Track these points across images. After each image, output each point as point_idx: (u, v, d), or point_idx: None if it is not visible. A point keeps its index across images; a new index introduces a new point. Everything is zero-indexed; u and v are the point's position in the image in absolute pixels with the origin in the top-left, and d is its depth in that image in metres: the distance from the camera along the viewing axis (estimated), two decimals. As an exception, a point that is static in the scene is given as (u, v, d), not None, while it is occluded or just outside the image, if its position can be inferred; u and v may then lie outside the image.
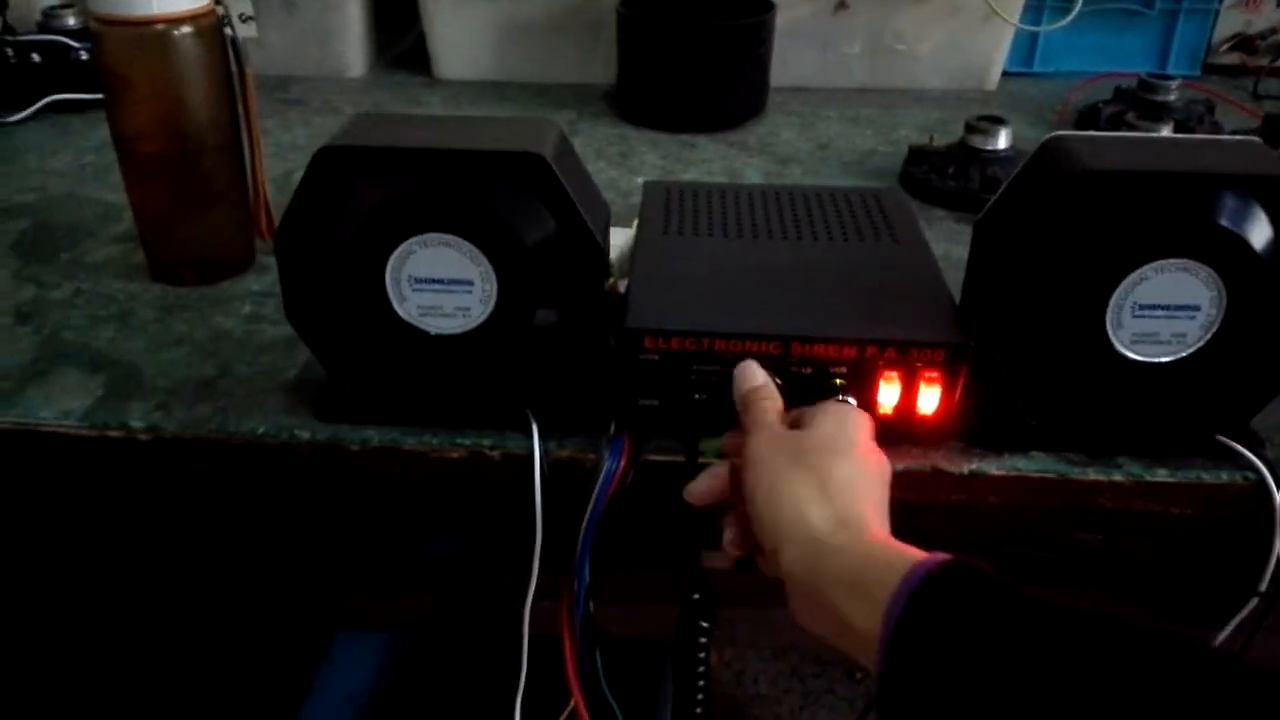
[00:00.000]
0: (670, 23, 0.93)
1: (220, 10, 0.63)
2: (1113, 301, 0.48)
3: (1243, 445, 0.52)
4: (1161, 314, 0.48)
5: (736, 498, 0.46)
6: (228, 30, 0.64)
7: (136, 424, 0.54)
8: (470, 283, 0.50)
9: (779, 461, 0.43)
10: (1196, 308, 0.48)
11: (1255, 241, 0.46)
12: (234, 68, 0.65)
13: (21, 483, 0.59)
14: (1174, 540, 0.56)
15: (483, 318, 0.50)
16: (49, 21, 1.00)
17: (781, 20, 0.98)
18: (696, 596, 0.54)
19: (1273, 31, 1.10)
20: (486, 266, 0.49)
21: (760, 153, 0.91)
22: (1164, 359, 0.49)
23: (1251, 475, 0.51)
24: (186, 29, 0.61)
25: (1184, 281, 0.47)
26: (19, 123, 0.96)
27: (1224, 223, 0.46)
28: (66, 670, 0.91)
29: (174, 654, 0.80)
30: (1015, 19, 1.02)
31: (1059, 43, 1.08)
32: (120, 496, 0.60)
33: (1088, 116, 0.96)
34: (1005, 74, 1.09)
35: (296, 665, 0.98)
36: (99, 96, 0.97)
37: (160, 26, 0.60)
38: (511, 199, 0.48)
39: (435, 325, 0.51)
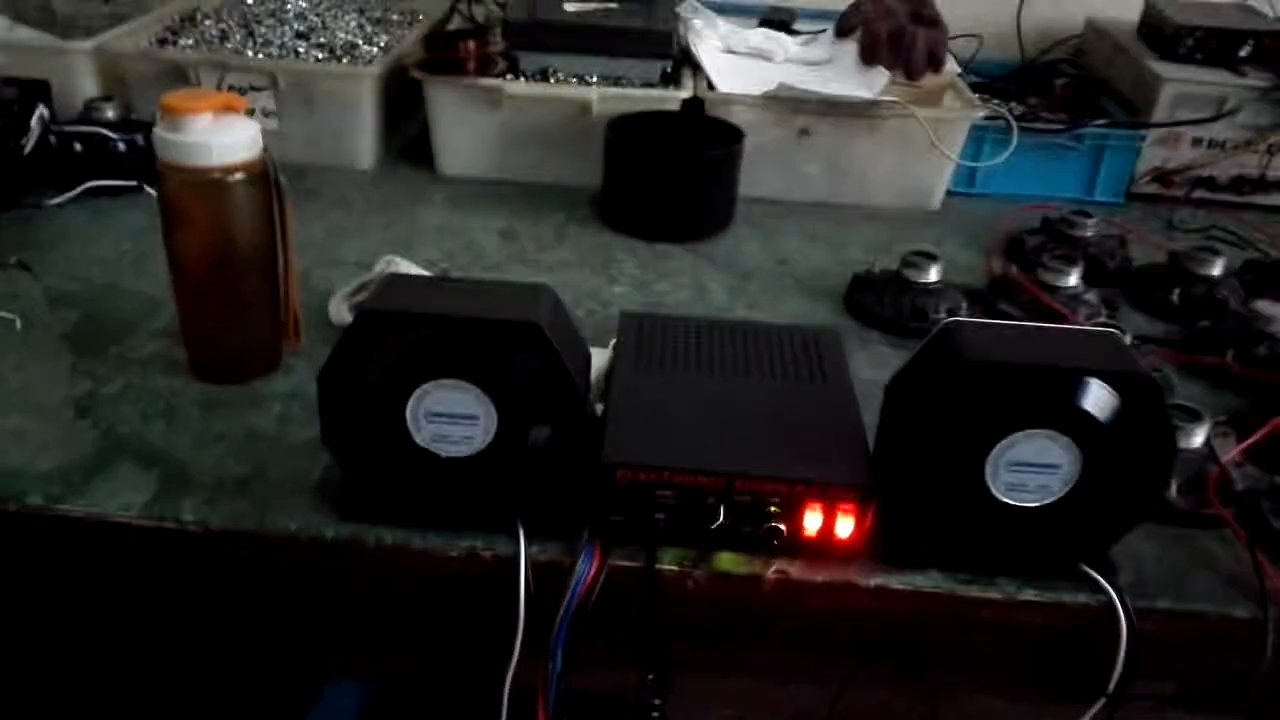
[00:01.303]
0: (651, 149, 1.05)
1: (267, 155, 0.74)
2: (990, 459, 0.60)
3: (1100, 572, 0.64)
4: (1029, 470, 0.60)
5: None
6: (272, 172, 0.75)
7: (188, 518, 0.65)
8: (475, 417, 0.61)
9: None
10: (1058, 466, 0.60)
11: (1102, 416, 0.58)
12: (276, 204, 0.76)
13: (85, 564, 0.70)
14: (1042, 646, 0.67)
15: (484, 445, 0.62)
16: (89, 113, 1.10)
17: (750, 142, 1.10)
18: (651, 676, 0.66)
19: (1187, 168, 1.24)
20: (489, 405, 0.61)
21: (725, 267, 1.03)
22: (1032, 504, 0.61)
23: (1104, 598, 0.63)
24: (239, 175, 0.72)
25: (1047, 446, 0.59)
26: (60, 206, 1.06)
27: (1078, 403, 0.58)
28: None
29: (192, 696, 0.91)
30: (956, 153, 1.15)
31: (999, 169, 1.20)
32: (169, 576, 0.70)
33: (1015, 244, 1.09)
34: (950, 192, 1.22)
35: (288, 708, 1.08)
36: (134, 184, 1.09)
37: (217, 174, 0.71)
38: (511, 355, 0.59)
39: (446, 450, 0.62)
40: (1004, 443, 0.59)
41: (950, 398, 0.58)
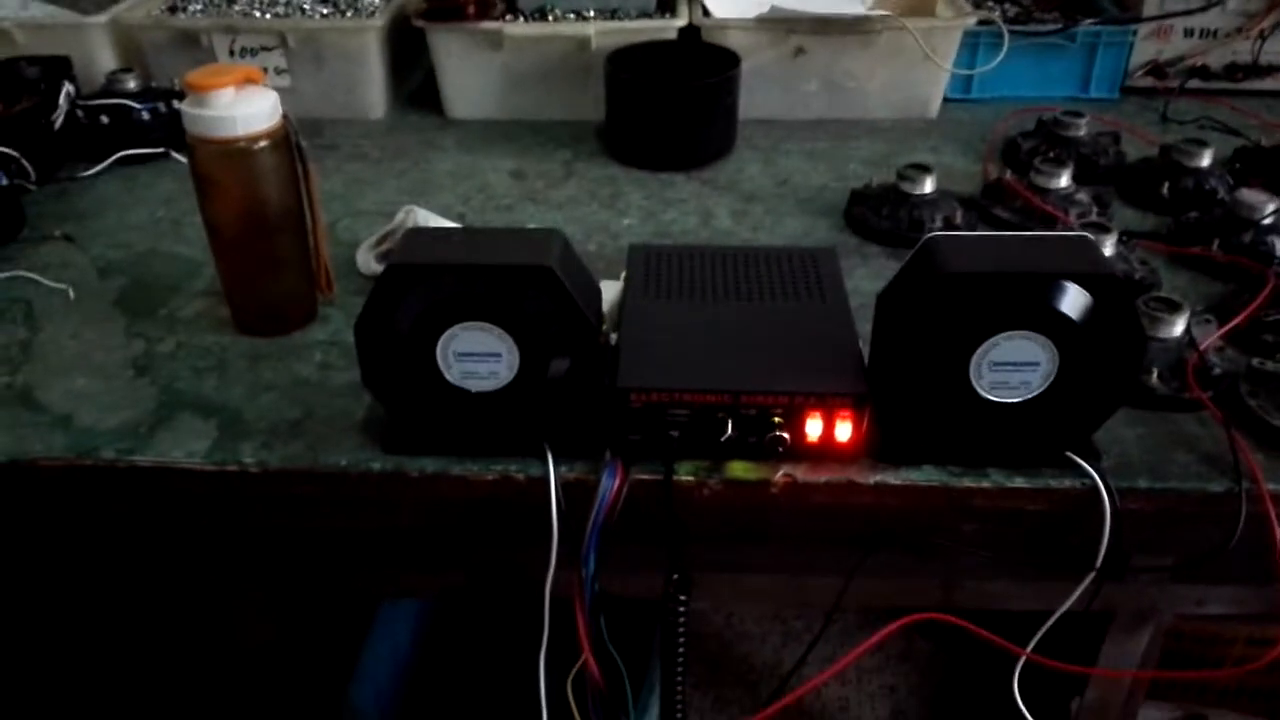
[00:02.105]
0: (650, 81, 1.09)
1: (288, 122, 0.79)
2: (974, 360, 0.65)
3: (1084, 458, 0.69)
4: (1011, 369, 0.65)
5: None
6: (294, 138, 0.79)
7: (248, 460, 0.72)
8: (499, 355, 0.67)
9: None
10: (1037, 364, 0.65)
11: (1075, 315, 0.63)
12: (300, 165, 0.81)
13: (157, 509, 0.77)
14: (1032, 528, 0.73)
15: (509, 379, 0.68)
16: (112, 85, 1.15)
17: (747, 65, 1.13)
18: (676, 576, 0.72)
19: (1181, 59, 1.25)
20: (510, 343, 0.66)
21: (729, 191, 1.07)
22: (1015, 400, 0.66)
23: (1088, 481, 0.69)
24: (264, 143, 0.77)
25: (1026, 346, 0.64)
26: (93, 177, 1.12)
27: (1053, 304, 0.63)
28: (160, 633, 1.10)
29: (261, 628, 0.99)
30: (949, 62, 1.17)
31: (994, 72, 1.23)
32: (233, 516, 0.77)
33: (1011, 149, 1.12)
34: (947, 99, 1.24)
35: (351, 627, 1.17)
36: (161, 151, 1.14)
37: (243, 143, 0.76)
38: (527, 296, 0.65)
39: (474, 385, 0.68)
40: (985, 345, 0.64)
41: (933, 308, 0.63)
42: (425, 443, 0.71)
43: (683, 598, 0.72)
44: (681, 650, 0.77)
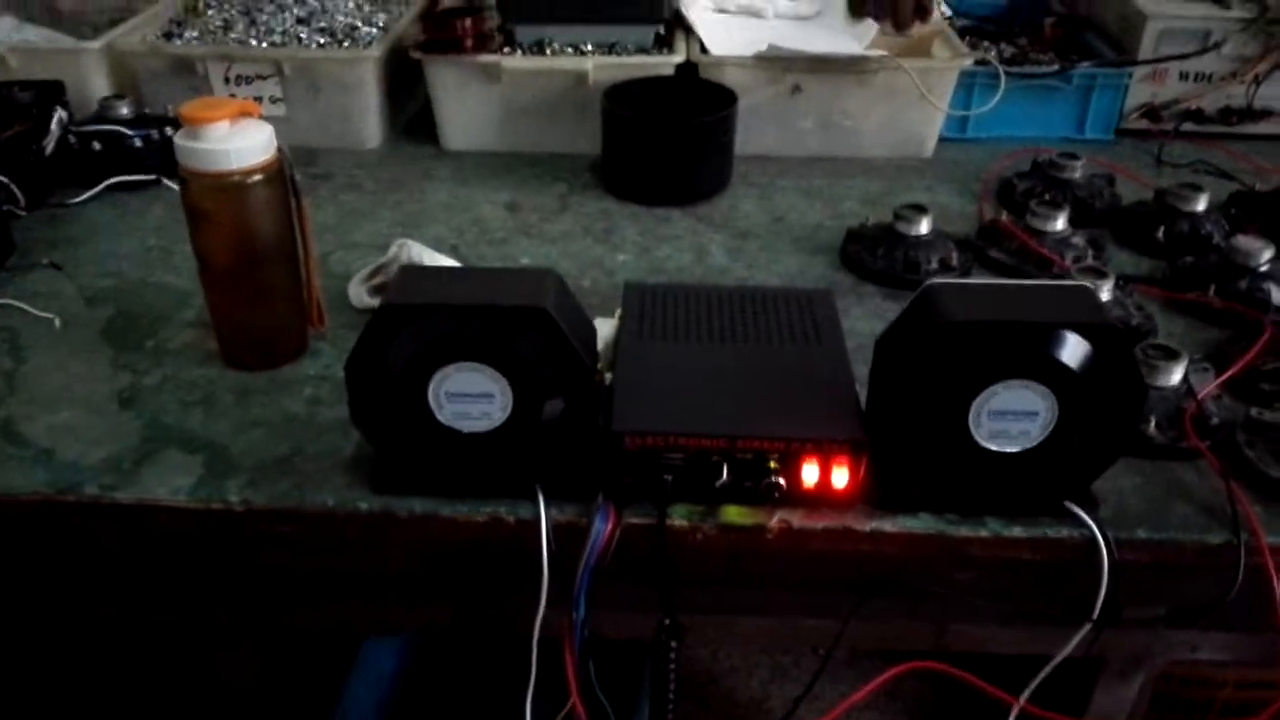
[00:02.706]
0: (646, 118, 1.09)
1: (282, 155, 0.78)
2: (973, 409, 0.64)
3: (1082, 507, 0.69)
4: (1010, 418, 0.64)
5: None
6: (287, 171, 0.79)
7: (233, 498, 0.70)
8: (492, 395, 0.66)
9: None
10: (1036, 413, 0.64)
11: (1075, 365, 0.63)
12: (293, 198, 0.80)
13: (139, 547, 0.75)
14: (1031, 579, 0.72)
15: (501, 420, 0.67)
16: (105, 111, 1.14)
17: (744, 102, 1.13)
18: (667, 621, 0.71)
19: (1175, 102, 1.26)
20: (504, 384, 0.65)
21: (724, 228, 1.07)
22: (1014, 449, 0.66)
23: (1086, 531, 0.68)
24: (258, 176, 0.76)
25: (1025, 395, 0.64)
26: (84, 203, 1.11)
27: (1053, 353, 0.62)
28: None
29: (243, 664, 0.97)
30: (945, 102, 1.17)
31: (989, 113, 1.23)
32: (217, 555, 0.76)
33: (1006, 189, 1.12)
34: (942, 139, 1.24)
35: (334, 662, 1.15)
36: (153, 178, 1.13)
37: (237, 177, 0.75)
38: (522, 337, 0.64)
39: (466, 426, 0.67)
40: (985, 394, 0.63)
41: (933, 355, 0.62)
42: (415, 483, 0.70)
43: (674, 644, 0.71)
44: (672, 696, 0.76)
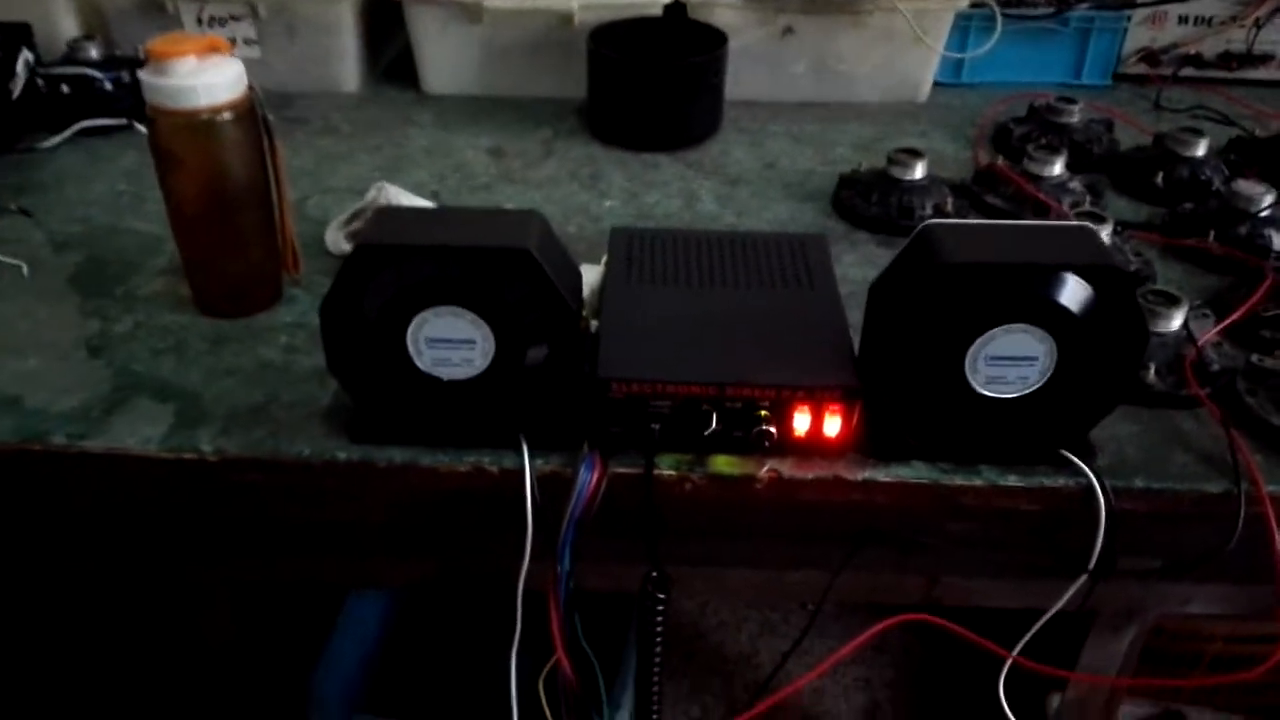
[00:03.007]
0: (634, 59, 1.05)
1: (254, 93, 0.75)
2: (969, 354, 0.62)
3: (1079, 455, 0.67)
4: (1008, 363, 0.63)
5: None
6: (259, 110, 0.76)
7: (206, 448, 0.68)
8: (473, 341, 0.63)
9: None
10: (1035, 358, 0.62)
11: (1075, 309, 0.61)
12: (265, 139, 0.77)
13: (109, 498, 0.73)
14: (1022, 527, 0.71)
15: (483, 367, 0.64)
16: (74, 53, 1.10)
17: (735, 44, 1.10)
18: (654, 573, 0.69)
19: (1174, 46, 1.23)
20: (485, 330, 0.63)
21: (714, 174, 1.04)
22: (1011, 395, 0.64)
23: (1083, 480, 0.66)
24: (227, 115, 0.73)
25: (1023, 340, 0.62)
26: (53, 149, 1.07)
27: (1051, 296, 0.60)
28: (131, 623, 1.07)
29: (221, 620, 0.95)
30: (941, 45, 1.14)
31: (984, 57, 1.20)
32: (189, 506, 0.74)
33: (1002, 135, 1.09)
34: (936, 84, 1.21)
35: (317, 615, 1.14)
36: (124, 122, 1.09)
37: (206, 115, 0.72)
38: (504, 280, 0.61)
39: (446, 373, 0.65)
40: (982, 338, 0.61)
41: (929, 298, 0.60)
42: (394, 432, 0.68)
43: (661, 596, 0.70)
44: (659, 649, 0.74)
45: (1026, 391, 0.64)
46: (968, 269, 0.60)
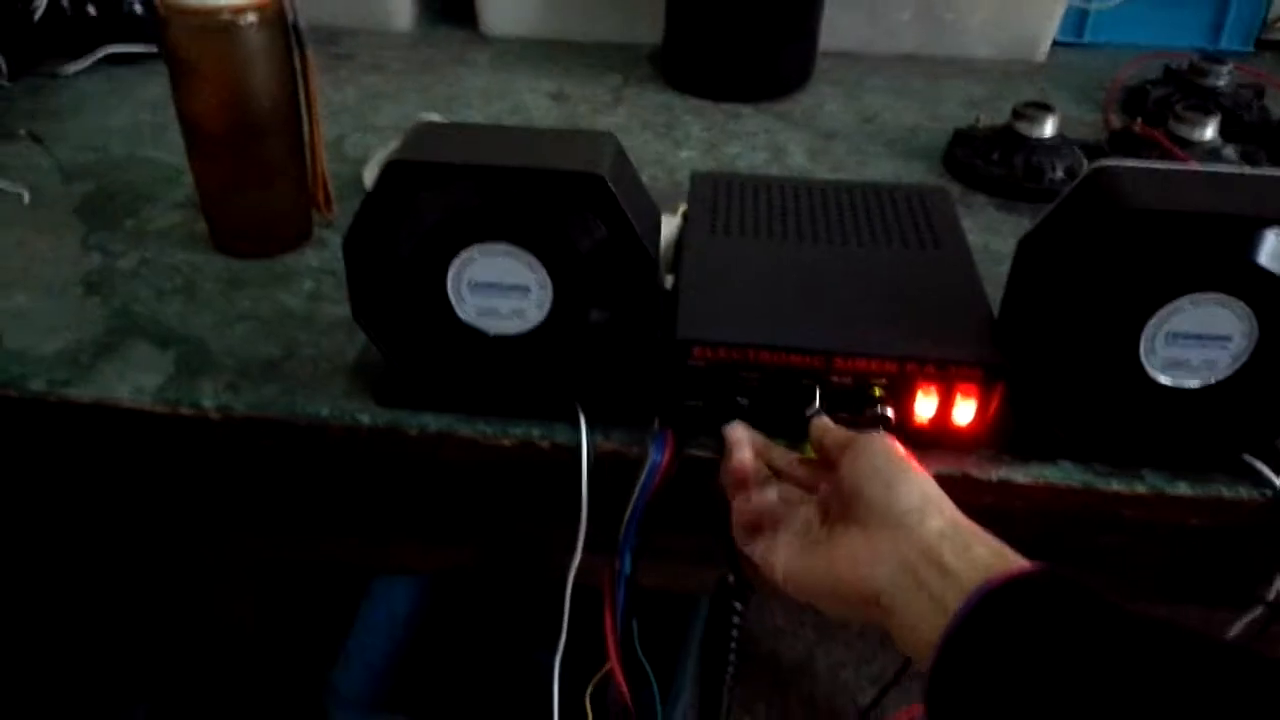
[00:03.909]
0: (719, -7, 0.93)
1: (284, -6, 0.64)
2: (1147, 329, 0.49)
3: (1266, 462, 0.54)
4: (1194, 343, 0.50)
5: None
6: (290, 15, 0.65)
7: (208, 403, 0.57)
8: (527, 288, 0.52)
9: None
10: (1228, 338, 0.50)
11: (1289, 279, 0.48)
12: (296, 52, 0.66)
13: (94, 455, 0.63)
14: (1187, 547, 0.58)
15: (537, 321, 0.53)
16: (104, -29, 1.01)
17: (831, -14, 0.97)
18: (731, 579, 0.58)
19: (1330, 8, 1.08)
20: (543, 274, 0.51)
21: (805, 126, 0.92)
22: (1193, 384, 0.51)
23: (1269, 492, 0.53)
24: (251, 17, 0.62)
25: (1217, 314, 0.49)
26: (75, 75, 0.98)
27: (1259, 260, 0.47)
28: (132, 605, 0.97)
29: (226, 597, 0.85)
30: (1067, -8, 1.01)
31: (1110, 14, 1.07)
32: (187, 468, 0.63)
33: (1135, 97, 0.96)
34: (1054, 44, 1.08)
35: (341, 601, 1.03)
36: (153, 50, 0.99)
37: (226, 15, 0.62)
38: (570, 214, 0.50)
39: (492, 326, 0.53)
40: (1167, 309, 0.49)
41: (1107, 254, 0.48)
42: (427, 395, 0.57)
43: (738, 605, 0.58)
44: (731, 667, 0.63)
45: (1213, 381, 0.51)
46: (1158, 218, 0.47)
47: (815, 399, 0.53)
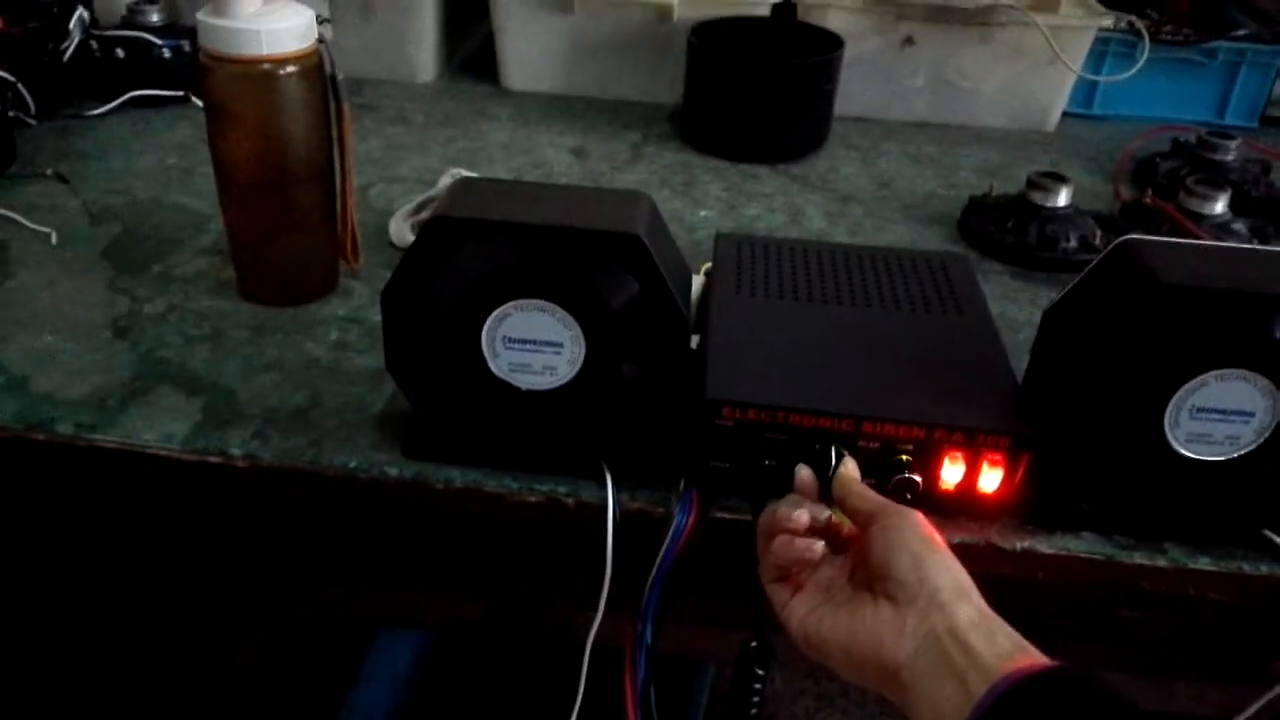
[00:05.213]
0: (739, 57, 0.95)
1: (323, 48, 0.66)
2: (1172, 403, 0.50)
3: (1285, 538, 0.55)
4: (1218, 418, 0.50)
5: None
6: (328, 68, 0.66)
7: (235, 452, 0.58)
8: (560, 345, 0.53)
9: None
10: (1251, 413, 0.50)
11: (1314, 357, 0.48)
12: (333, 104, 0.67)
13: (119, 500, 0.63)
14: (1206, 622, 0.58)
15: (569, 376, 0.53)
16: (133, 17, 1.02)
17: (848, 52, 0.99)
18: (754, 644, 0.57)
19: (1333, 87, 1.11)
20: (577, 331, 0.52)
21: (821, 189, 0.93)
22: (1216, 458, 0.52)
23: (1290, 568, 0.54)
24: (291, 68, 0.63)
25: (1241, 389, 0.50)
26: (101, 116, 0.99)
27: (1285, 338, 0.48)
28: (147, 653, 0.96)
29: (238, 643, 0.85)
30: (1079, 65, 1.03)
31: (1119, 87, 1.09)
32: (212, 516, 0.63)
33: (1145, 169, 0.98)
34: (1064, 114, 1.10)
35: (345, 651, 1.03)
36: (180, 94, 1.01)
37: (267, 66, 0.63)
38: (606, 272, 0.50)
39: (525, 381, 0.54)
40: (1192, 383, 0.49)
41: (1135, 328, 0.48)
42: (456, 448, 0.57)
43: (760, 671, 0.58)
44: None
45: (1235, 454, 0.52)
46: (1187, 294, 0.48)
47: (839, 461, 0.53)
